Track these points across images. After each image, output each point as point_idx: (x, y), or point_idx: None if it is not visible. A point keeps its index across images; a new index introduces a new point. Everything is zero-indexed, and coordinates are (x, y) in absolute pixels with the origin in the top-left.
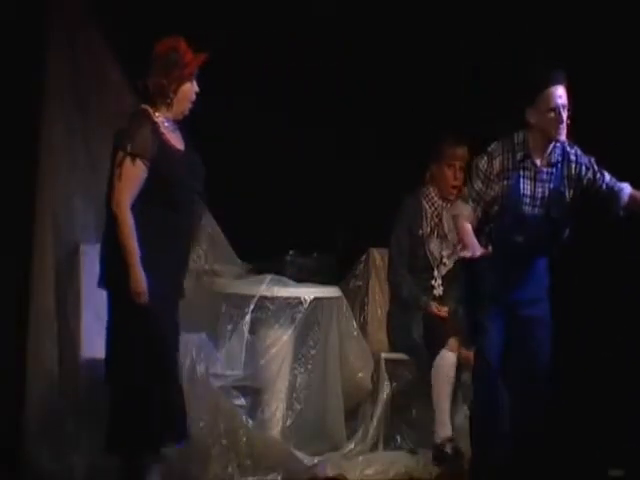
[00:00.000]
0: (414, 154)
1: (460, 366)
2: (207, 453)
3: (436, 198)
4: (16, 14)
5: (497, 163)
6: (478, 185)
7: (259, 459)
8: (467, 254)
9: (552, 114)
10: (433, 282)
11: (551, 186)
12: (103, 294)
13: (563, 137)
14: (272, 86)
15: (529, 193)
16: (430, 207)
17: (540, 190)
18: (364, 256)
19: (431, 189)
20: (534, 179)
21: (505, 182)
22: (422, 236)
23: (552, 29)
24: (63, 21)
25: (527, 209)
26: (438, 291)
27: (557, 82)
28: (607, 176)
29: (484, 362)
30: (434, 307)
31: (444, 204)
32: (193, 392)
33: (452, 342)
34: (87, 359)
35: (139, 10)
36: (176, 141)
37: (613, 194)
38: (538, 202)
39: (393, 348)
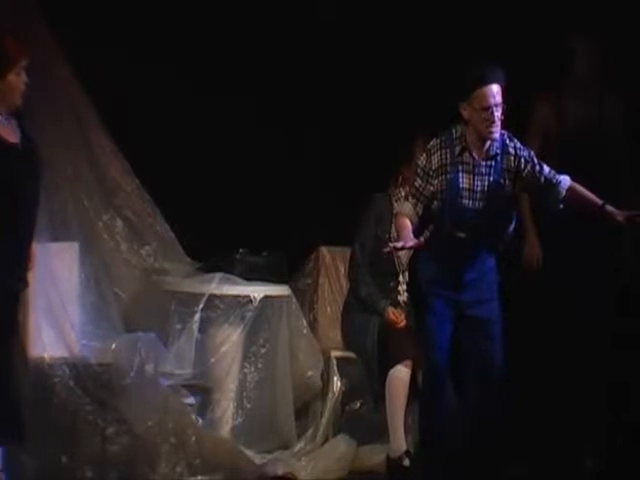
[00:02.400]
0: (364, 153)
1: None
2: (156, 452)
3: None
4: None
5: (435, 159)
6: (418, 182)
7: (208, 458)
8: (398, 245)
9: (485, 113)
10: (399, 287)
11: (490, 179)
12: (52, 294)
13: (495, 136)
14: (222, 84)
15: (468, 187)
16: None
17: (479, 183)
18: (313, 254)
19: (402, 192)
20: (472, 172)
21: (443, 177)
22: (389, 239)
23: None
24: (10, 18)
25: (466, 203)
26: (403, 297)
27: (492, 81)
28: (546, 169)
29: (428, 361)
30: (391, 313)
31: None
32: (142, 391)
33: (407, 362)
34: (35, 358)
35: (88, 6)
36: (9, 134)
37: (552, 187)
38: (477, 195)
39: (345, 345)
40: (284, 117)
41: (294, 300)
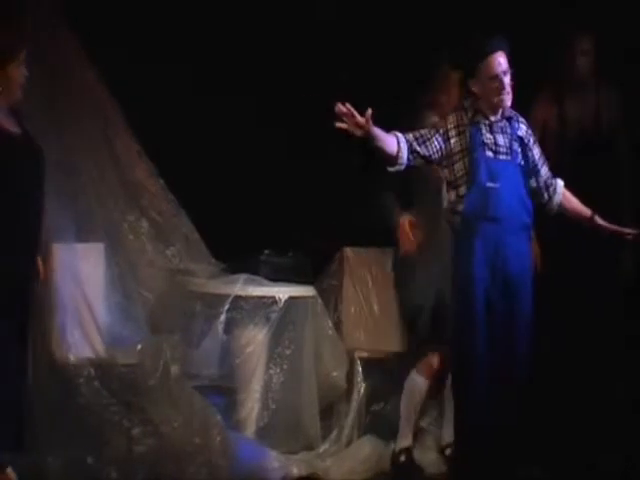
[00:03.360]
0: None
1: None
2: (181, 453)
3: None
4: None
5: (451, 118)
6: (423, 131)
7: (233, 459)
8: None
9: (494, 82)
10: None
11: (509, 137)
12: (77, 294)
13: (508, 103)
14: (245, 86)
15: (490, 141)
16: None
17: (500, 139)
18: (338, 255)
19: (435, 117)
20: (491, 130)
21: (463, 135)
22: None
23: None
24: (34, 20)
25: (491, 155)
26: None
27: (495, 49)
28: (546, 166)
29: (467, 352)
30: (408, 222)
31: None
32: (167, 392)
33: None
34: (60, 359)
35: (111, 8)
36: (11, 126)
37: (551, 185)
38: (501, 149)
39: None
40: (307, 117)
41: (319, 301)
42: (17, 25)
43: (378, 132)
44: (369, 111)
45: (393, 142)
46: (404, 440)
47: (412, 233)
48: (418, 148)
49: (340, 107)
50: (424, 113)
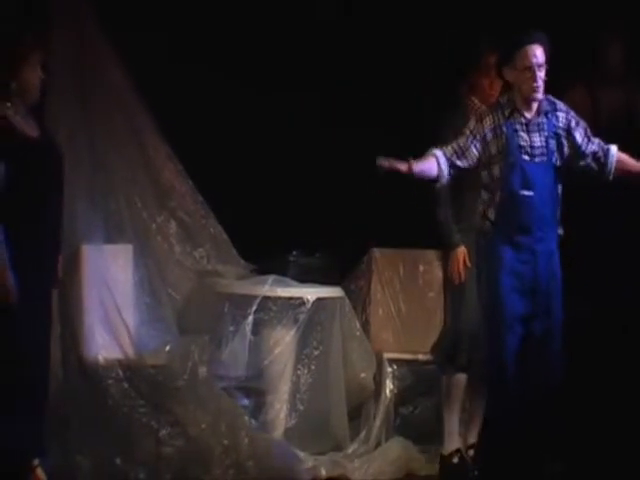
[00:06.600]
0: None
1: None
2: (209, 454)
3: (480, 106)
4: (18, 13)
5: (487, 122)
6: (461, 140)
7: (261, 460)
8: (386, 164)
9: (528, 73)
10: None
11: (546, 134)
12: (106, 295)
13: (540, 95)
14: (273, 86)
15: (526, 143)
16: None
17: (536, 139)
18: (366, 256)
19: (473, 99)
20: (527, 130)
21: (499, 138)
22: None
23: None
24: (65, 20)
25: (527, 159)
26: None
27: (534, 41)
28: (594, 138)
29: (496, 349)
30: (462, 254)
31: None
32: (195, 393)
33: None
34: (89, 360)
35: (141, 9)
36: (29, 129)
37: (603, 155)
38: (536, 151)
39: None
40: (336, 119)
41: (347, 302)
42: (30, 29)
43: (419, 168)
44: (412, 162)
45: (433, 167)
46: (452, 442)
47: (463, 266)
48: (458, 162)
49: (382, 163)
50: (463, 102)
